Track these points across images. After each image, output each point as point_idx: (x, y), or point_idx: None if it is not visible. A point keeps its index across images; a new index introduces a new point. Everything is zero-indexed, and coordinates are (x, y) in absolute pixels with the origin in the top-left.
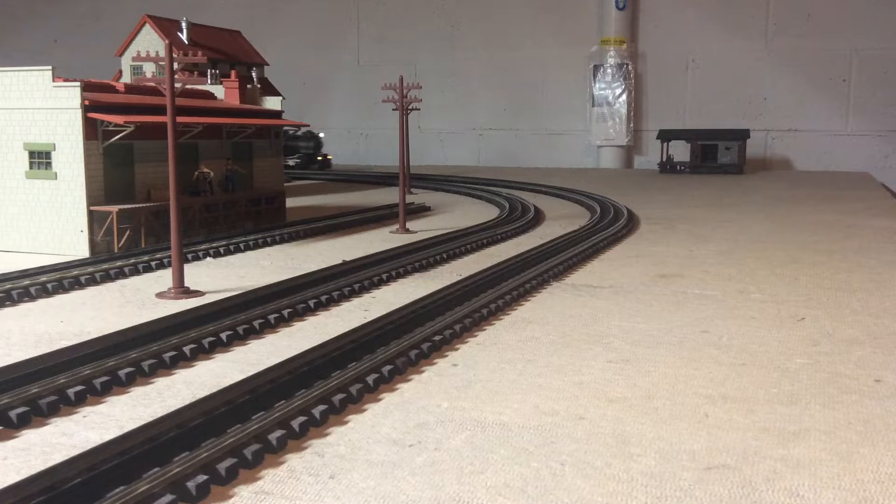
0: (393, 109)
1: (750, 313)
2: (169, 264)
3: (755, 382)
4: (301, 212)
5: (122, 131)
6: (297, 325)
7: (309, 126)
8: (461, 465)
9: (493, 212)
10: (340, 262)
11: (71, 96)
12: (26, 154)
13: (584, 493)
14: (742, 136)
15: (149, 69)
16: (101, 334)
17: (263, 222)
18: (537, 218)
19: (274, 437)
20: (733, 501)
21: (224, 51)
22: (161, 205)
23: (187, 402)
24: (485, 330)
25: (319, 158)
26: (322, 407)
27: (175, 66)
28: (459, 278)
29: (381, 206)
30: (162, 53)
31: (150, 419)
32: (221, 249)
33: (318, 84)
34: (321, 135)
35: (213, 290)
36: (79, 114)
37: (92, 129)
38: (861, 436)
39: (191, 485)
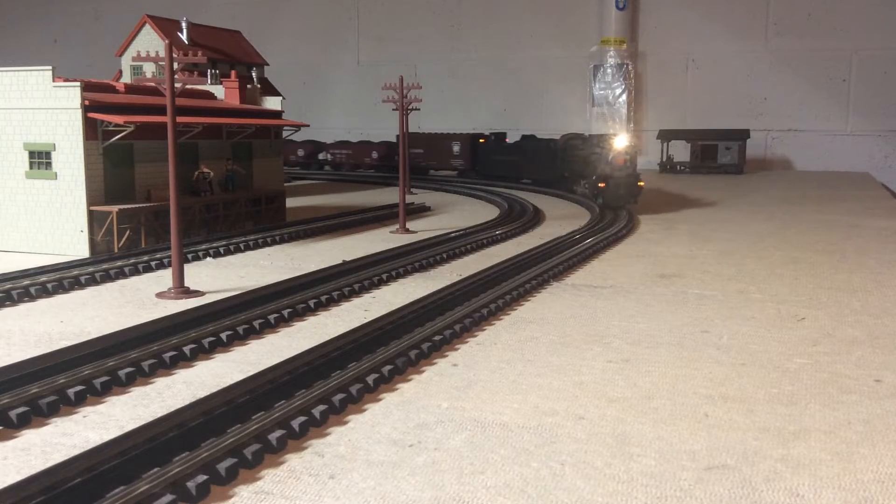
0: (393, 109)
1: (750, 313)
2: (169, 264)
3: (755, 382)
4: (301, 212)
5: (122, 131)
6: (297, 325)
7: (308, 125)
8: (461, 465)
9: (493, 212)
10: (340, 262)
11: (71, 96)
12: (26, 154)
13: (584, 493)
14: (742, 136)
15: (149, 69)
16: (101, 334)
17: (263, 222)
18: (537, 218)
19: (274, 437)
20: (733, 501)
21: (224, 51)
22: (161, 205)
23: (187, 402)
24: (485, 330)
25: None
26: (322, 407)
27: (175, 66)
28: (459, 278)
29: (381, 206)
30: (162, 53)
31: (150, 419)
32: (221, 249)
33: (318, 84)
34: (624, 140)
35: (213, 290)
36: (79, 114)
37: (92, 129)
38: (861, 436)
39: (191, 485)
